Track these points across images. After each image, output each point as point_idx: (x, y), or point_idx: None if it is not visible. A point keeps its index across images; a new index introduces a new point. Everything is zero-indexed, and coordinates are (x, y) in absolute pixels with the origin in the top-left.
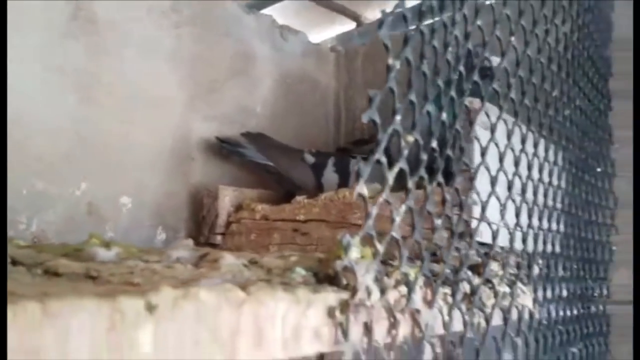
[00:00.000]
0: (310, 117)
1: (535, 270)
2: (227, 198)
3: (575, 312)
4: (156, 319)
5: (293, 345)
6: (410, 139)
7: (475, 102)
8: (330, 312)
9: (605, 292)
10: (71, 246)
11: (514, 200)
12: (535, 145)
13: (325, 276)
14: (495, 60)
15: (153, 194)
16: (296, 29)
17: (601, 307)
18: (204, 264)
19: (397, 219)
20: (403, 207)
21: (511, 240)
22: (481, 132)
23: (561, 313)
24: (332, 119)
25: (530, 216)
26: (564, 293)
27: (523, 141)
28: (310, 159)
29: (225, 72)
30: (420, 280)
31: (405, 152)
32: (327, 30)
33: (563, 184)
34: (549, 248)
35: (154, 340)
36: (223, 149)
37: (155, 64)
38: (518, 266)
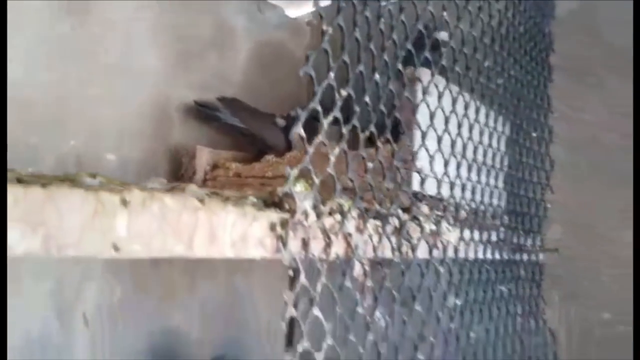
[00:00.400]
0: (285, 85)
1: (462, 214)
2: (204, 157)
3: (505, 256)
4: (129, 211)
5: (241, 247)
6: (344, 93)
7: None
8: (272, 227)
9: (538, 243)
10: (62, 176)
11: (442, 153)
12: (466, 107)
13: (272, 202)
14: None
15: (136, 153)
16: (274, 4)
17: (534, 256)
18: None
19: (332, 158)
20: (337, 150)
21: (438, 187)
22: (419, 94)
23: (489, 255)
24: (306, 88)
25: (458, 168)
26: (493, 238)
27: (453, 103)
28: (281, 122)
29: (204, 42)
30: (354, 212)
31: (339, 104)
32: (304, 7)
33: (495, 143)
34: (477, 197)
35: (128, 227)
36: (201, 112)
37: (138, 35)
38: (444, 209)
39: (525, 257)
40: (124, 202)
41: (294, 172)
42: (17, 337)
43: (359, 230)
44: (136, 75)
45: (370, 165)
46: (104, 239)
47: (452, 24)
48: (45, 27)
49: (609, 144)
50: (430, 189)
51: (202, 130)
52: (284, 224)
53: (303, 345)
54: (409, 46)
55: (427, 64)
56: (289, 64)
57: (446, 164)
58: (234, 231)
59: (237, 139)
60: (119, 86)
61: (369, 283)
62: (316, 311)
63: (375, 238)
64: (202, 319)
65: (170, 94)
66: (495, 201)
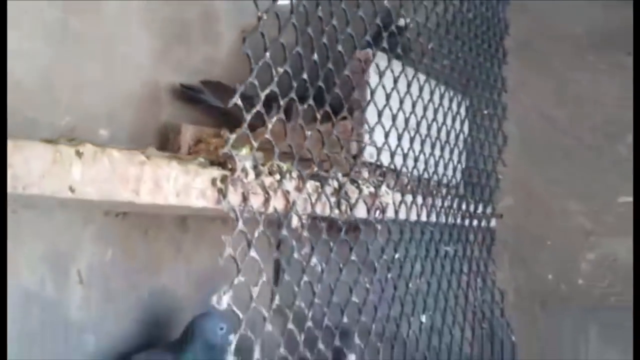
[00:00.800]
0: (268, 69)
1: (404, 180)
2: (188, 134)
3: (452, 220)
4: (83, 162)
5: (184, 197)
6: (280, 70)
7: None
8: (213, 181)
9: (489, 211)
10: (44, 139)
11: (382, 126)
12: (409, 85)
13: (217, 162)
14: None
15: (127, 129)
16: None
17: (484, 222)
18: None
19: (270, 126)
20: (274, 119)
21: (378, 155)
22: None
23: (434, 218)
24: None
25: (399, 139)
26: (438, 203)
27: (395, 80)
28: None
29: (192, 28)
30: (294, 174)
31: (276, 79)
32: None
33: (440, 118)
34: (421, 166)
35: (82, 174)
36: (186, 94)
37: (129, 20)
38: (384, 175)
39: (475, 222)
40: (78, 154)
41: (233, 136)
42: (16, 293)
43: (298, 189)
44: (128, 59)
45: (308, 134)
46: (61, 182)
47: (394, 13)
48: (42, 13)
49: (557, 122)
50: (371, 157)
51: (188, 110)
52: (224, 179)
53: (239, 279)
54: (349, 30)
55: (369, 46)
56: (272, 49)
57: (386, 135)
58: (177, 183)
59: (218, 118)
60: (111, 68)
61: (305, 234)
62: (253, 253)
63: (314, 197)
64: (189, 281)
65: (159, 76)
66: (441, 170)
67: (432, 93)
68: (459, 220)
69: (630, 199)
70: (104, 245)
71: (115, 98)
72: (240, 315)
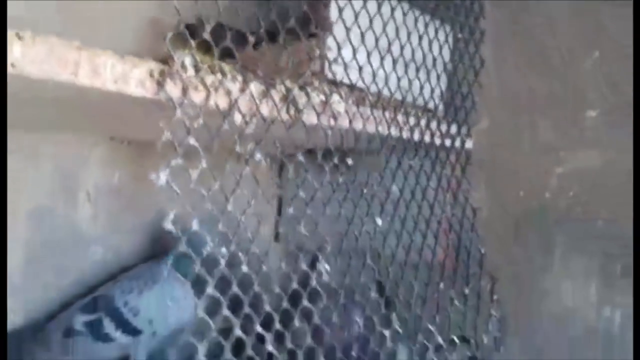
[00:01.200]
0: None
1: (360, 93)
2: None
3: (418, 136)
4: (22, 43)
5: (122, 84)
6: None
7: None
8: (151, 73)
9: (464, 131)
10: None
11: (335, 39)
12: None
13: (158, 60)
14: None
15: None
16: None
17: (459, 142)
18: None
19: (208, 28)
20: (213, 24)
21: (330, 68)
22: None
23: (395, 132)
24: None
25: (355, 54)
26: (399, 118)
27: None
28: (251, 39)
29: None
30: (238, 76)
31: None
32: None
33: (404, 37)
34: (380, 83)
35: (21, 53)
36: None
37: None
38: (335, 84)
39: (447, 142)
40: (19, 36)
41: (170, 34)
42: (29, 206)
43: (242, 90)
44: (133, 5)
45: (251, 39)
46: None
47: None
48: None
49: (524, 42)
50: (326, 71)
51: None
52: (162, 72)
53: (177, 162)
54: None
55: None
56: None
57: (339, 48)
58: (115, 70)
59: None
60: (115, 15)
61: (249, 130)
62: (192, 141)
63: (260, 98)
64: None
65: (163, 17)
66: (405, 87)
67: (392, 11)
68: (426, 138)
69: (594, 113)
70: (110, 169)
71: (123, 37)
72: (178, 191)
